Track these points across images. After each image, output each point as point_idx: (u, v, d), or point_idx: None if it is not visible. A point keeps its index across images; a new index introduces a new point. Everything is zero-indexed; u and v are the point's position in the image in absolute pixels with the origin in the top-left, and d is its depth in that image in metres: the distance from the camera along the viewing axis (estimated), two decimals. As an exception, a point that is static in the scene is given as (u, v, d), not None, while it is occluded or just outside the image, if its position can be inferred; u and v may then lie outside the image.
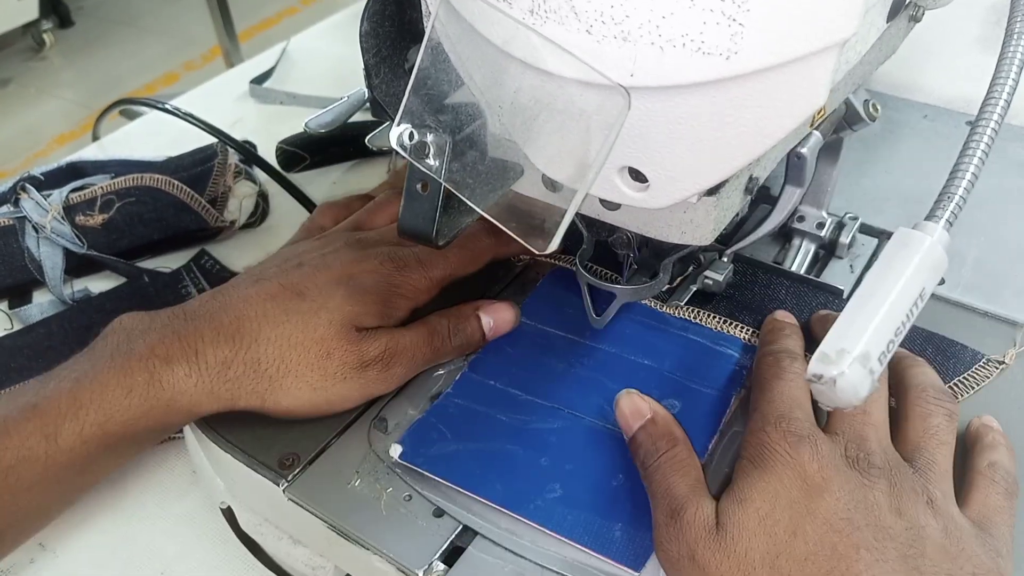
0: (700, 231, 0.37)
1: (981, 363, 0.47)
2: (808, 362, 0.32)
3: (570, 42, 0.30)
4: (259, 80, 0.95)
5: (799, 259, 0.54)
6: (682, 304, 0.51)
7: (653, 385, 0.46)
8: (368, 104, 0.66)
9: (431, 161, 0.34)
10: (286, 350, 0.45)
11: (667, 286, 0.48)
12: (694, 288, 0.51)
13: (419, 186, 0.35)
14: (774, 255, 0.55)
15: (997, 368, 0.47)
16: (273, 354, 0.45)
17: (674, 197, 0.34)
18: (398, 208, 0.50)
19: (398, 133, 0.34)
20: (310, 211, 0.72)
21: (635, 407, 0.43)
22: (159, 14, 3.45)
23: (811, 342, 0.47)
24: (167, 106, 0.77)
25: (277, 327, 0.46)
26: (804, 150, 0.46)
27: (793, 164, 0.46)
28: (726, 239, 0.51)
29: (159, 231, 0.71)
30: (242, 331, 0.45)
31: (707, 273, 0.50)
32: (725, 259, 0.51)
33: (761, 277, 0.53)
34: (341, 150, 0.79)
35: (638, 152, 0.33)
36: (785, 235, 0.55)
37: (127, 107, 1.08)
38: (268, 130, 0.86)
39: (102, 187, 0.72)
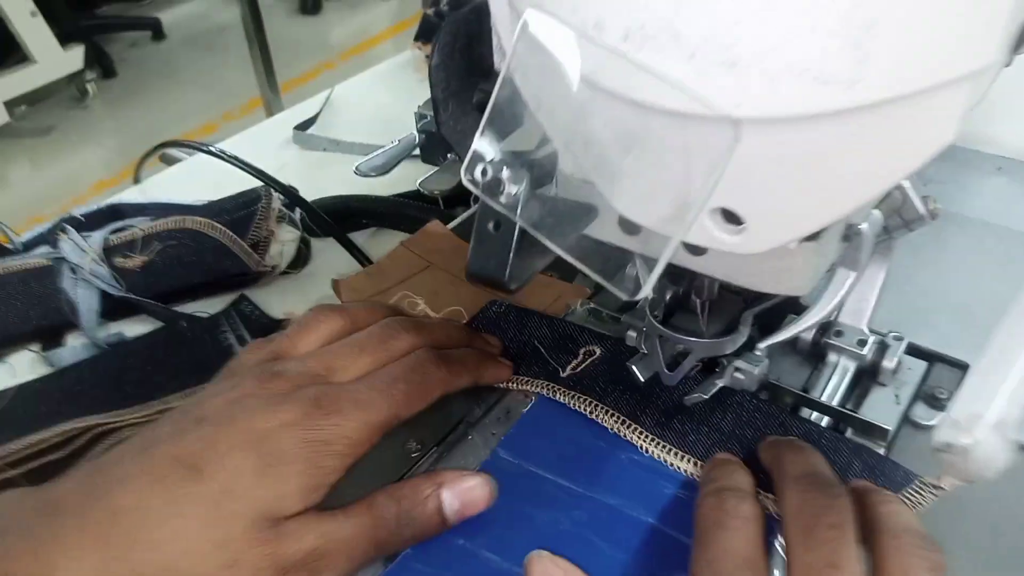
0: (797, 280, 0.34)
1: (914, 485, 0.39)
2: (756, 501, 0.29)
3: (669, 70, 0.27)
4: (303, 127, 0.94)
5: (833, 382, 0.48)
6: (706, 397, 0.44)
7: (662, 554, 0.39)
8: (419, 148, 0.64)
9: (504, 199, 0.31)
10: (176, 557, 0.34)
11: (689, 373, 0.44)
12: (721, 383, 0.44)
13: (491, 225, 0.32)
14: (804, 380, 0.49)
15: (934, 494, 0.38)
16: (162, 562, 0.34)
17: (772, 242, 0.31)
18: (330, 328, 0.45)
19: (470, 169, 0.31)
20: (356, 257, 0.69)
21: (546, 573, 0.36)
22: (200, 66, 3.52)
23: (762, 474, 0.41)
24: (212, 148, 0.76)
25: (162, 525, 0.35)
26: (864, 226, 0.38)
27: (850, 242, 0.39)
28: (762, 329, 0.45)
29: (199, 275, 0.69)
30: (115, 532, 0.34)
31: (739, 364, 0.44)
32: (759, 351, 0.44)
33: (775, 417, 0.46)
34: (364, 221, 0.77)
35: (736, 192, 0.30)
36: (818, 353, 0.50)
37: (168, 151, 1.08)
38: (311, 175, 0.85)
39: (143, 229, 0.70)
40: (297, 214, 0.74)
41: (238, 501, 0.36)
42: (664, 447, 0.44)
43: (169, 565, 0.34)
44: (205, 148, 0.76)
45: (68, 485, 0.37)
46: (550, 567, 0.36)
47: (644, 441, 0.45)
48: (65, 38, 3.00)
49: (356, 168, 0.55)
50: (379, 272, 0.64)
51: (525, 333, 0.53)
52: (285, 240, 0.73)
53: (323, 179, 0.79)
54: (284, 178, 0.72)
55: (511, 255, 0.32)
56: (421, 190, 0.55)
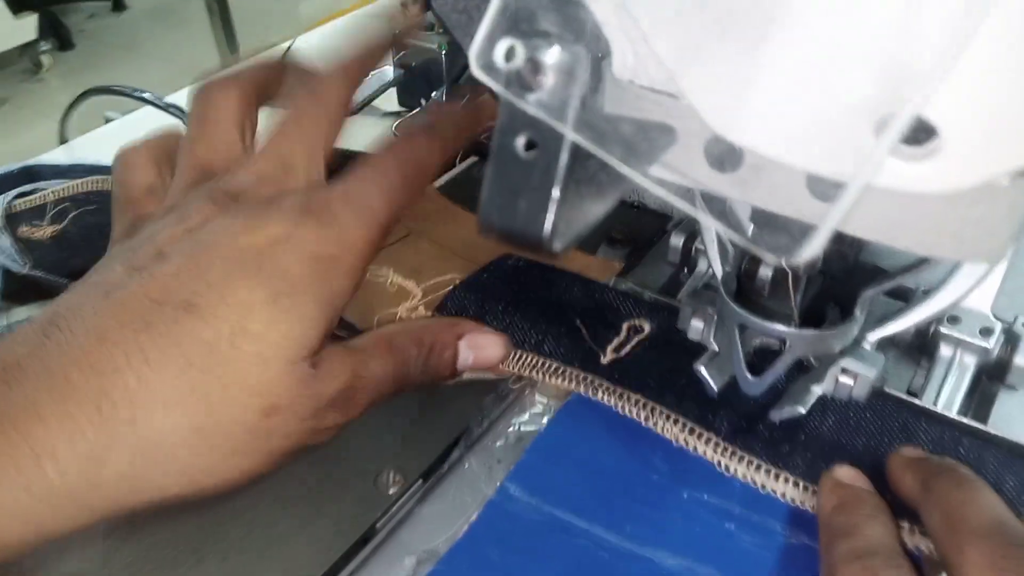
0: (992, 239, 0.22)
1: None
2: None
3: None
4: (260, 79, 0.81)
5: (950, 386, 0.37)
6: (803, 412, 0.33)
7: None
8: (395, 88, 0.52)
9: (546, 97, 0.18)
10: (202, 416, 0.29)
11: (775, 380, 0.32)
12: (820, 391, 0.33)
13: (519, 145, 0.19)
14: (908, 382, 0.38)
15: None
16: (179, 426, 0.28)
17: (976, 173, 0.19)
18: (237, 105, 0.35)
19: (486, 51, 0.19)
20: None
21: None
22: (162, 39, 3.36)
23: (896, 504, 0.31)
24: (149, 96, 0.63)
25: (175, 379, 0.29)
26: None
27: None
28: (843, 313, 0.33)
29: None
30: (112, 394, 0.28)
31: (845, 363, 0.32)
32: (868, 345, 0.33)
33: (893, 416, 0.35)
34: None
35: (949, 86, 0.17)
36: (923, 347, 0.38)
37: (109, 114, 0.95)
38: (268, 135, 0.72)
39: (55, 192, 0.58)
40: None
41: (259, 341, 0.29)
42: (750, 462, 0.33)
43: (193, 427, 0.29)
44: (139, 95, 0.63)
45: (20, 349, 0.29)
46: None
47: (722, 455, 0.33)
48: (17, 6, 2.83)
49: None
50: None
51: (553, 295, 0.42)
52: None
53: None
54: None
55: (555, 194, 0.19)
56: (395, 133, 0.42)
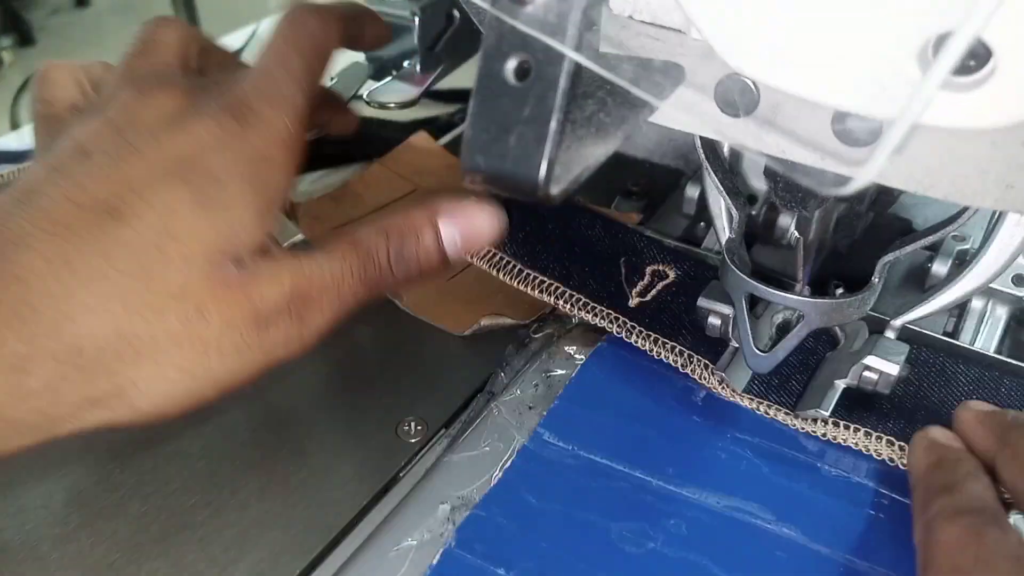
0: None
1: None
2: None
3: None
4: (223, 62, 0.78)
5: (983, 337, 0.35)
6: (826, 415, 0.31)
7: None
8: (366, 56, 0.48)
9: (542, 10, 0.16)
10: (124, 320, 0.27)
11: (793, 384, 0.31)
12: (842, 385, 0.31)
13: (510, 69, 0.16)
14: (942, 326, 0.37)
15: None
16: (103, 332, 0.27)
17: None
18: (178, 35, 0.34)
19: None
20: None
21: None
22: (127, 35, 3.23)
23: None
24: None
25: (96, 284, 0.27)
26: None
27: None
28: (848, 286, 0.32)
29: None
30: (33, 302, 0.27)
31: (869, 361, 0.30)
32: (892, 333, 0.31)
33: (929, 361, 0.33)
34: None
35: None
36: None
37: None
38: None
39: (2, 176, 0.54)
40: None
41: (184, 241, 0.28)
42: (787, 413, 0.32)
43: (120, 331, 0.27)
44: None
45: None
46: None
47: (759, 404, 0.32)
48: (-25, 2, 2.76)
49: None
50: (349, 196, 0.49)
51: (573, 231, 0.39)
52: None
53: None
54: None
55: (552, 127, 0.17)
56: (367, 103, 0.39)
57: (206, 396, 0.29)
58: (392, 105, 0.40)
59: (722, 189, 0.29)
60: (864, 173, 0.16)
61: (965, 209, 0.26)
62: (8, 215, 0.28)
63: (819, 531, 0.28)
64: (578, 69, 0.16)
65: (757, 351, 0.29)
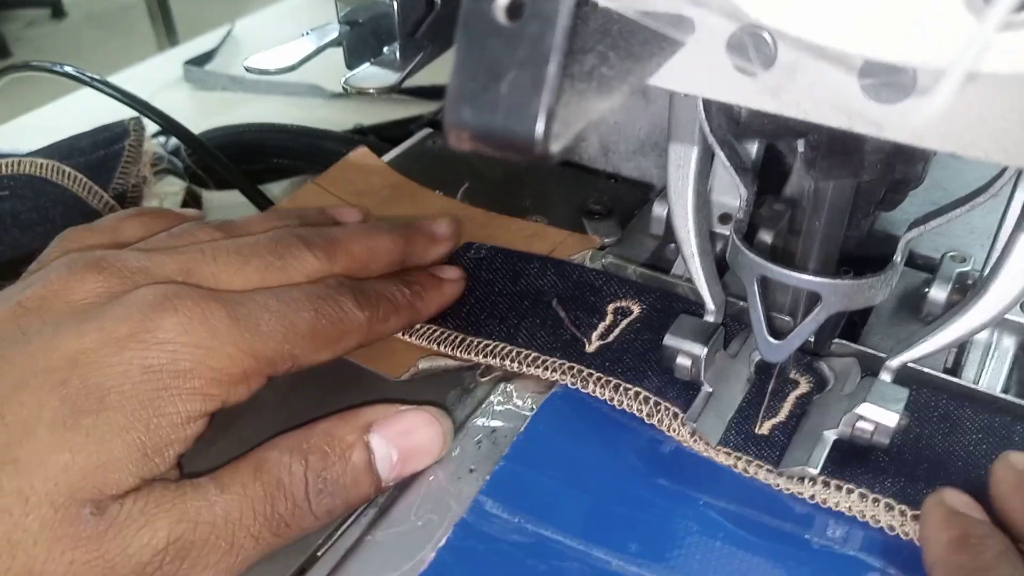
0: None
1: None
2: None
3: None
4: (198, 62, 0.75)
5: (991, 370, 0.32)
6: (815, 473, 0.28)
7: None
8: (342, 46, 0.46)
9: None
10: None
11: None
12: (832, 436, 0.28)
13: (500, 7, 0.14)
14: (942, 362, 0.33)
15: None
16: None
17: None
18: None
19: None
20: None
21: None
22: (104, 47, 3.26)
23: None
24: (67, 70, 0.57)
25: None
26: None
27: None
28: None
29: (41, 237, 0.50)
30: None
31: (862, 410, 0.28)
32: (888, 375, 0.29)
33: (930, 405, 0.30)
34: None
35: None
36: None
37: (28, 86, 0.88)
38: (206, 122, 0.66)
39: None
40: (188, 161, 0.56)
41: (26, 474, 0.22)
42: (769, 470, 0.28)
43: None
44: (58, 68, 0.56)
45: None
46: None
47: (737, 460, 0.29)
48: (-51, 14, 2.72)
49: (245, 64, 0.37)
50: None
51: (521, 285, 0.36)
52: (165, 193, 0.55)
53: (223, 123, 0.61)
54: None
55: (551, 71, 0.14)
56: (346, 89, 0.37)
57: None
58: (372, 91, 0.38)
59: (729, 164, 0.27)
60: (931, 103, 0.14)
61: (998, 176, 0.24)
62: None
63: None
64: (580, 5, 0.14)
65: (771, 339, 0.27)
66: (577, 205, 0.43)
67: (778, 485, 0.28)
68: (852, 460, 0.28)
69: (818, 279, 0.25)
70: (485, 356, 0.33)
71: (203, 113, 0.71)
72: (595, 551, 0.26)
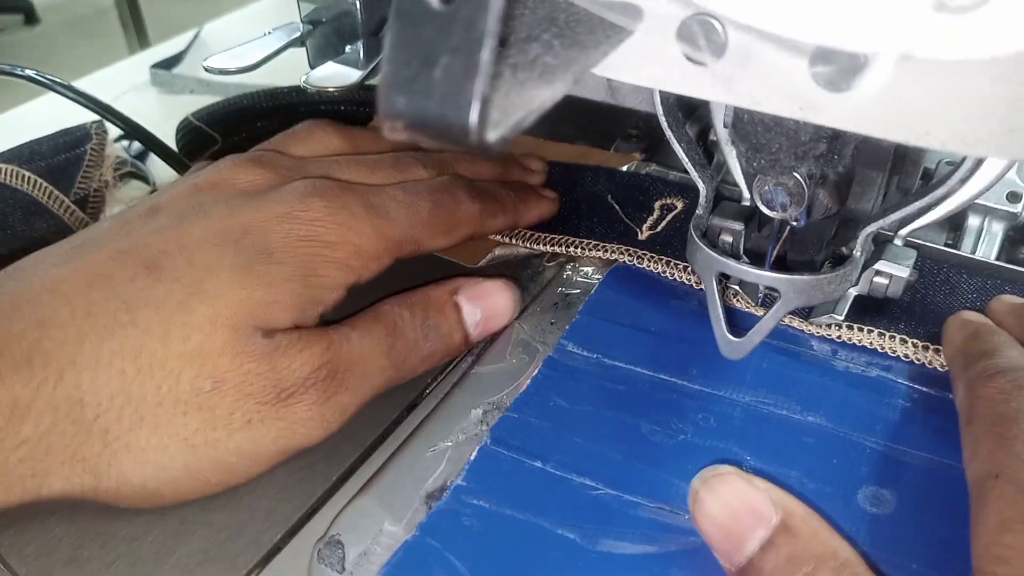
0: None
1: None
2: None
3: None
4: (165, 66, 0.75)
5: (984, 247, 0.36)
6: (841, 320, 0.31)
7: (847, 463, 0.27)
8: (304, 45, 0.45)
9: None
10: (133, 379, 0.26)
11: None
12: (855, 292, 0.31)
13: None
14: (942, 243, 0.38)
15: None
16: (108, 388, 0.26)
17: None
18: (326, 144, 0.37)
19: None
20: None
21: (741, 505, 0.23)
22: (79, 53, 3.22)
23: None
24: (28, 73, 0.56)
25: (112, 336, 0.26)
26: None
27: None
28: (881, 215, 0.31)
29: (2, 244, 0.49)
30: (47, 348, 0.26)
31: (880, 266, 0.30)
32: (899, 241, 0.31)
33: (933, 271, 0.34)
34: (273, 128, 0.55)
35: None
36: (951, 218, 0.36)
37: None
38: (173, 125, 0.65)
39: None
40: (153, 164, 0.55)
41: (213, 302, 0.27)
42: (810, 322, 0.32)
43: (126, 390, 0.26)
44: (18, 72, 0.55)
45: None
46: (741, 490, 0.23)
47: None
48: (-82, 20, 2.68)
49: (204, 65, 0.36)
50: None
51: (578, 191, 0.40)
52: (129, 197, 0.54)
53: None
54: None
55: (484, 56, 0.14)
56: (307, 88, 0.36)
57: (206, 478, 0.27)
58: (332, 90, 0.37)
59: (686, 160, 0.26)
60: (839, 108, 0.13)
61: (956, 167, 0.24)
62: (56, 260, 0.28)
63: (843, 417, 0.29)
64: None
65: (730, 336, 0.26)
66: (616, 129, 0.47)
67: (809, 331, 0.32)
68: (871, 312, 0.32)
69: (775, 275, 0.25)
70: (553, 246, 0.38)
71: (170, 116, 0.70)
72: (661, 375, 0.31)
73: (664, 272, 0.35)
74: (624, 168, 0.43)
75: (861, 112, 0.17)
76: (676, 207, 0.38)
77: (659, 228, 0.37)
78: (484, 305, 0.33)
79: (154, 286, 0.27)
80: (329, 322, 0.30)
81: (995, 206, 0.36)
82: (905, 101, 0.17)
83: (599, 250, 0.37)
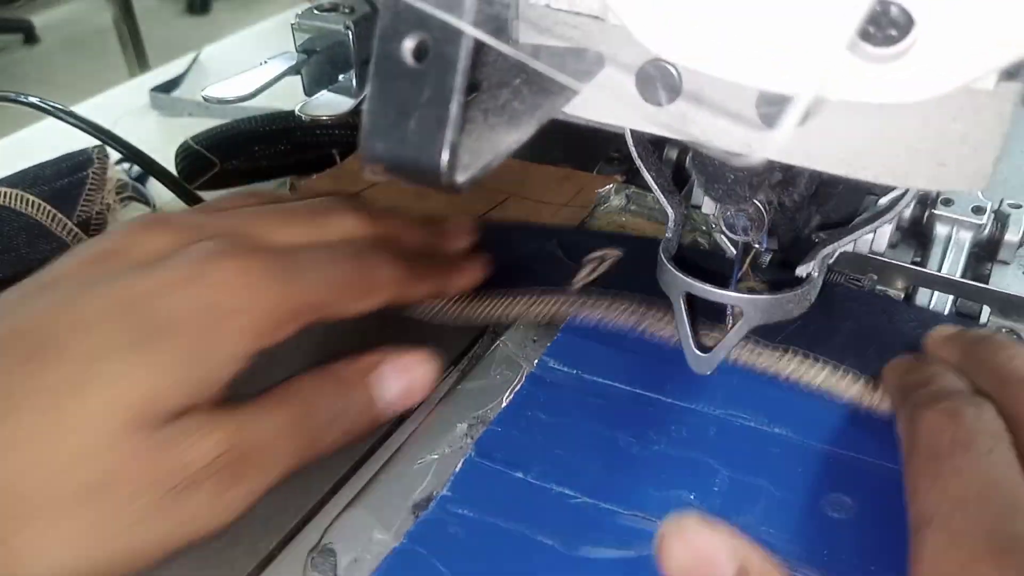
0: (973, 162, 0.18)
1: None
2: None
3: None
4: (164, 89, 0.76)
5: (950, 261, 0.37)
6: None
7: (815, 472, 0.29)
8: (299, 74, 0.47)
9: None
10: (24, 472, 0.25)
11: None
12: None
13: (407, 50, 0.15)
14: (910, 259, 0.39)
15: None
16: None
17: (956, 75, 0.16)
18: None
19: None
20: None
21: (701, 554, 0.23)
22: (78, 71, 3.25)
23: None
24: (31, 100, 0.57)
25: (4, 422, 0.25)
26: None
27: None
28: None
29: (6, 266, 0.51)
30: None
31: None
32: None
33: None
34: (270, 152, 0.57)
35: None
36: (919, 233, 0.39)
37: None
38: (172, 148, 0.67)
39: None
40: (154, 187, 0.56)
41: (103, 391, 0.25)
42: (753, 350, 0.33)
43: (15, 484, 0.24)
44: (11, 96, 0.57)
45: None
46: (700, 538, 0.22)
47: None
48: (-81, 40, 2.71)
49: (203, 94, 0.38)
50: (347, 174, 0.47)
51: (509, 255, 0.40)
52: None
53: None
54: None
55: (452, 111, 0.16)
56: (302, 116, 0.38)
57: (111, 571, 0.26)
58: (325, 118, 0.39)
59: (656, 187, 0.28)
60: (769, 144, 0.15)
61: (905, 193, 0.26)
62: None
63: (807, 429, 0.31)
64: (480, 49, 0.15)
65: (698, 352, 0.28)
66: (600, 152, 0.50)
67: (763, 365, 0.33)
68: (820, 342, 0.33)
69: (737, 295, 0.26)
70: (483, 313, 0.37)
71: (169, 138, 0.71)
72: (638, 390, 0.33)
73: (603, 318, 0.36)
74: (604, 190, 0.45)
75: (801, 147, 0.19)
76: (613, 257, 0.38)
77: (593, 276, 0.38)
78: (401, 380, 0.31)
79: (45, 369, 0.26)
80: (240, 394, 0.29)
81: (962, 218, 0.37)
82: (841, 138, 0.19)
83: (533, 306, 0.36)
